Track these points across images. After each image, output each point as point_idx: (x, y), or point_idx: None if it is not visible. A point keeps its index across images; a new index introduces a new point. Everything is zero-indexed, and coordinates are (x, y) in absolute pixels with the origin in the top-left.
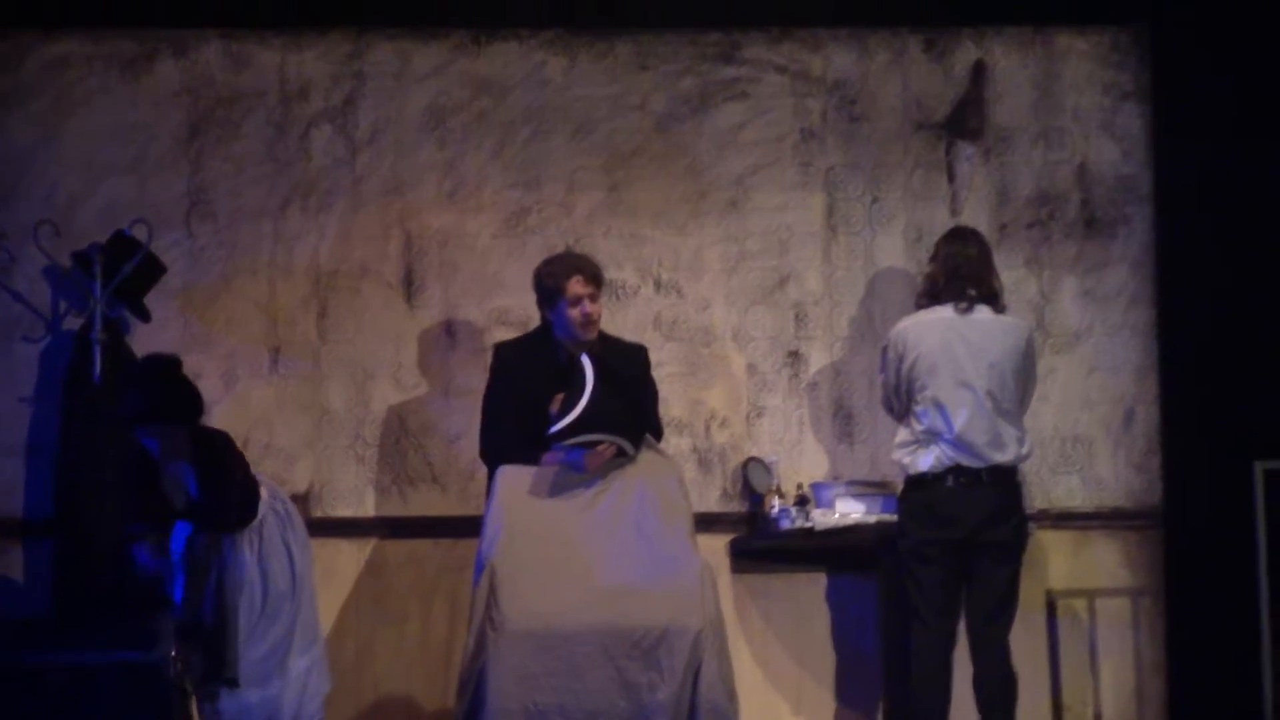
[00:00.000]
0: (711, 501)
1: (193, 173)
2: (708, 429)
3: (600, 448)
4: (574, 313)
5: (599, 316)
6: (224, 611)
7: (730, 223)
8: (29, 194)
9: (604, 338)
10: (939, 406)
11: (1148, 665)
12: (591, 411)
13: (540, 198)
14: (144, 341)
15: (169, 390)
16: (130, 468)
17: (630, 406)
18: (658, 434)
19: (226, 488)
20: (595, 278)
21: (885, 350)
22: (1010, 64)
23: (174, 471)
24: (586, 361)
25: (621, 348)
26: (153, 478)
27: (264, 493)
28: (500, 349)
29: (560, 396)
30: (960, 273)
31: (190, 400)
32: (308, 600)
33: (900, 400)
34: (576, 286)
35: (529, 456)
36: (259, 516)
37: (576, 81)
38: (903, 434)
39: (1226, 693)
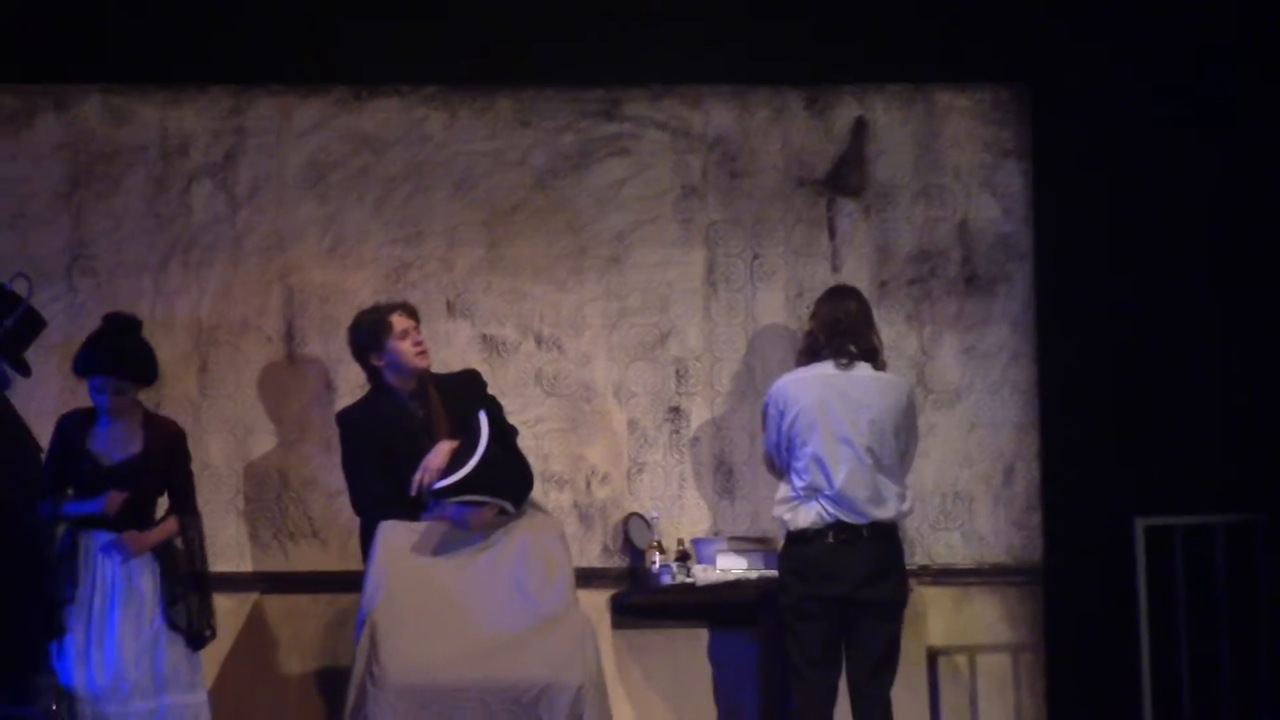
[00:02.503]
0: (592, 557)
1: (73, 227)
2: (589, 484)
3: (484, 508)
4: (404, 345)
5: (427, 348)
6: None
7: (611, 279)
8: None
9: (434, 378)
10: (819, 462)
11: None
12: (483, 470)
13: (421, 253)
14: (24, 396)
15: (131, 346)
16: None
17: (519, 464)
18: (512, 434)
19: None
20: (414, 313)
21: (766, 407)
22: (891, 121)
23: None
24: (483, 418)
25: (454, 380)
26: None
27: None
28: (344, 415)
29: (447, 446)
30: (840, 329)
31: (150, 360)
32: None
33: (782, 457)
34: (399, 321)
35: (403, 511)
36: None
37: (457, 137)
38: (783, 490)
39: None
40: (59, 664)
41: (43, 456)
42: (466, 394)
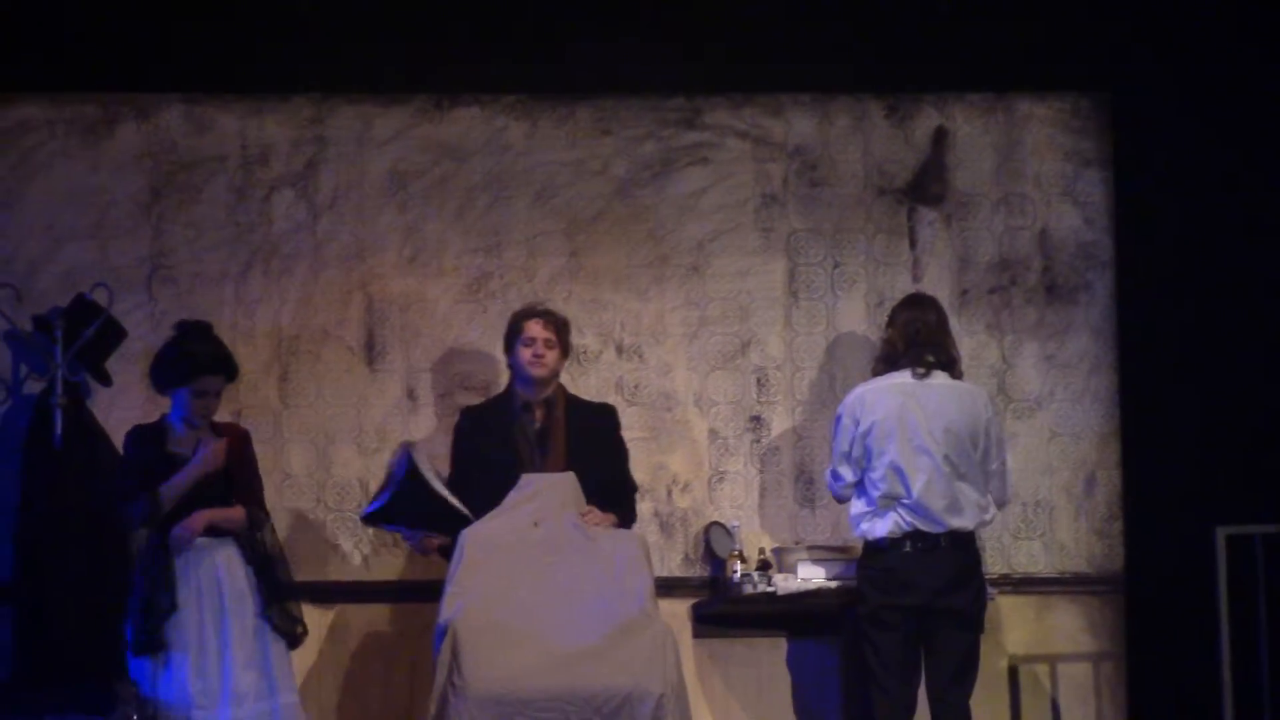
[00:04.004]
0: (673, 566)
1: (154, 237)
2: (669, 493)
3: (428, 536)
4: (526, 352)
5: (553, 364)
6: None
7: (692, 288)
8: None
9: (570, 399)
10: (897, 470)
11: None
12: (398, 504)
13: (501, 263)
14: (105, 405)
15: (224, 345)
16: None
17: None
18: (630, 490)
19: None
20: (557, 327)
21: (839, 416)
22: (972, 130)
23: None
24: (405, 455)
25: (588, 408)
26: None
27: None
28: (464, 411)
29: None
30: (918, 339)
31: (229, 356)
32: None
33: (853, 466)
34: (534, 328)
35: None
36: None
37: (537, 147)
38: (858, 505)
39: None
40: (166, 676)
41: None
42: (597, 425)
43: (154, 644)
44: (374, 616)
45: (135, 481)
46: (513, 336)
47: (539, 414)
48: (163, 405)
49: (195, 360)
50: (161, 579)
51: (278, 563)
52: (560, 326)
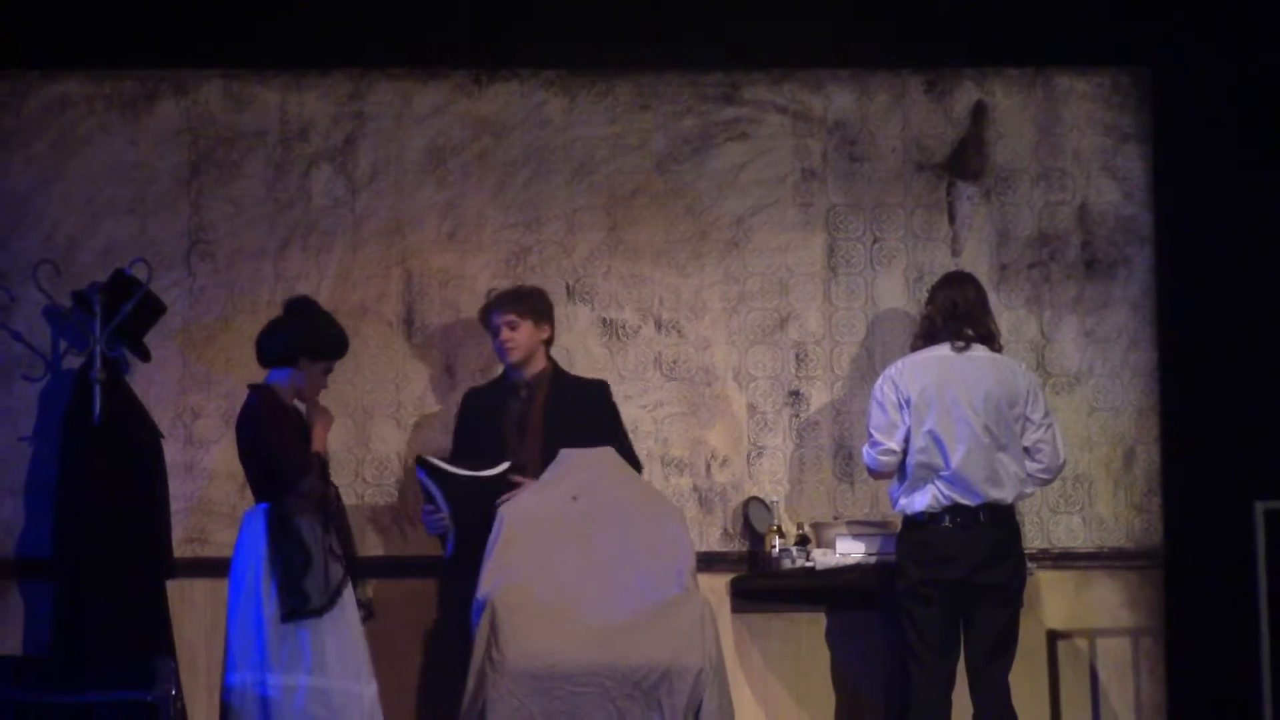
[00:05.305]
0: (712, 541)
1: (193, 212)
2: (708, 468)
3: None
4: (496, 343)
5: (525, 341)
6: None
7: (731, 263)
8: (29, 234)
9: (558, 378)
10: (936, 440)
11: (1148, 706)
12: (466, 482)
13: (540, 238)
14: (144, 381)
15: (326, 325)
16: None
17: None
18: (635, 466)
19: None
20: (517, 306)
21: (879, 387)
22: (1011, 105)
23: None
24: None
25: (578, 385)
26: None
27: None
28: (467, 392)
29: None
30: (958, 313)
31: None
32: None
33: (892, 437)
34: (494, 319)
35: None
36: None
37: (576, 122)
38: (894, 482)
39: None
40: (337, 646)
41: (264, 443)
42: (586, 403)
43: (327, 607)
44: (413, 591)
45: (301, 449)
46: (487, 328)
47: (523, 395)
48: (196, 382)
49: (338, 339)
50: (329, 546)
51: (352, 540)
52: (521, 303)
